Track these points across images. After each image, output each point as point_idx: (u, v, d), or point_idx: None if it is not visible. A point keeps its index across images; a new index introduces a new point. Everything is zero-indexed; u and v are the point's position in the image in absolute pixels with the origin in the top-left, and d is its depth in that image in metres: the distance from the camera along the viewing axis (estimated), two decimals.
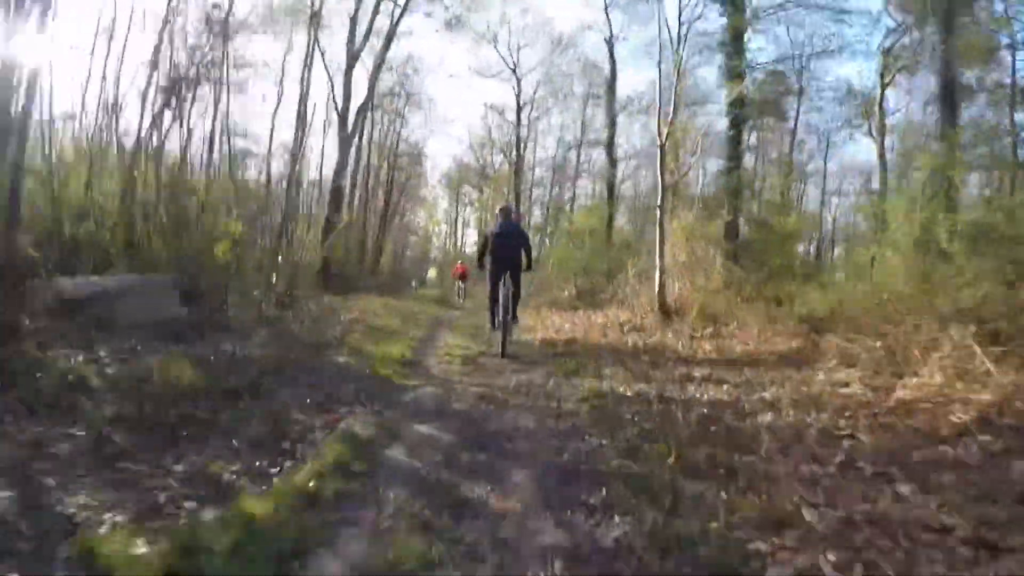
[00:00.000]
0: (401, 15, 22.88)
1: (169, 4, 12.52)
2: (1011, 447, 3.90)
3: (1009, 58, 15.66)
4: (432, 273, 53.58)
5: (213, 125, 13.82)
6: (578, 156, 36.73)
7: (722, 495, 3.28)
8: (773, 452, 4.01)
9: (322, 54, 23.50)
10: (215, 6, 13.52)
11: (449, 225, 53.84)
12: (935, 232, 8.75)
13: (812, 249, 25.52)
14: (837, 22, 20.54)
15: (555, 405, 5.74)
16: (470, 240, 50.95)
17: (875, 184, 24.51)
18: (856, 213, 24.43)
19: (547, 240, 38.14)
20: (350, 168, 28.86)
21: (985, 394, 4.65)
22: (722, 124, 17.37)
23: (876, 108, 23.77)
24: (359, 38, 22.51)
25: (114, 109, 12.12)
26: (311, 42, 23.85)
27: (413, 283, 40.56)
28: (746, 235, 15.39)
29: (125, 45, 12.65)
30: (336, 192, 22.19)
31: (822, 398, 5.49)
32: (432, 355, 8.81)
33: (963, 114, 13.03)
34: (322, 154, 28.13)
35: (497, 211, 9.61)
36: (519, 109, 32.40)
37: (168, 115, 13.30)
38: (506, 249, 8.68)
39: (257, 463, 3.78)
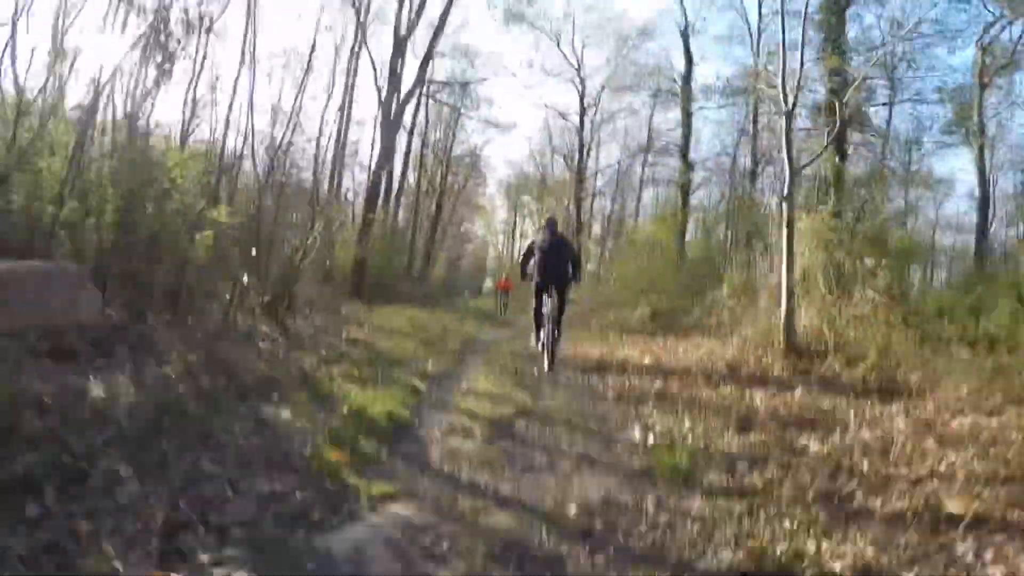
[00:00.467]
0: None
1: None
2: None
3: None
4: (488, 284, 50.31)
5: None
6: (644, 163, 32.95)
7: None
8: None
9: (365, 39, 20.50)
10: None
11: (507, 235, 50.32)
12: None
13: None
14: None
15: None
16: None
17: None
18: None
19: (606, 254, 34.74)
20: (398, 166, 25.92)
21: None
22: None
23: (974, 112, 19.55)
24: (406, 21, 19.34)
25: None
26: (357, 27, 21.01)
27: (466, 293, 37.64)
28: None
29: None
30: (374, 185, 19.01)
31: None
32: (441, 412, 5.37)
33: None
34: (371, 153, 25.19)
35: (543, 222, 8.92)
36: (582, 112, 28.96)
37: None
38: (552, 262, 8.08)
39: None
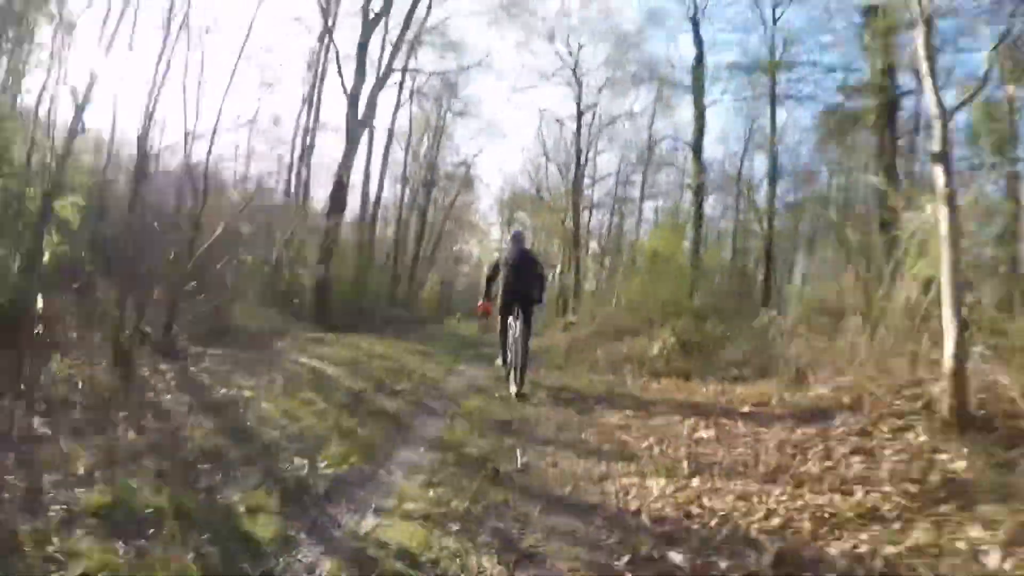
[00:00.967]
0: None
1: None
2: None
3: None
4: None
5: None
6: (644, 173, 29.70)
7: None
8: None
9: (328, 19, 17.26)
10: None
11: (501, 254, 46.75)
12: None
13: None
14: None
15: None
16: None
17: None
18: None
19: (604, 272, 31.38)
20: (376, 177, 22.61)
21: None
22: None
23: None
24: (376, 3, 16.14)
25: None
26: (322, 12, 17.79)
27: (458, 315, 34.14)
28: None
29: None
30: (337, 190, 15.66)
31: None
32: None
33: None
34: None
35: (509, 237, 8.73)
36: (579, 115, 25.58)
37: None
38: (520, 281, 7.49)
39: None
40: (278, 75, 20.21)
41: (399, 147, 27.06)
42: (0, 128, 6.14)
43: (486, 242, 46.48)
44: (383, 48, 17.46)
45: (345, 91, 15.63)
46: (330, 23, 17.36)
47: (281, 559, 2.68)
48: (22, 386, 4.27)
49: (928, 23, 4.76)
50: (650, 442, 4.96)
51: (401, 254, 27.54)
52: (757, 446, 4.59)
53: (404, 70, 21.69)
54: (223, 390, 5.76)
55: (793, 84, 20.14)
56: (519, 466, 4.27)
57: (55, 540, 2.52)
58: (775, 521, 3.19)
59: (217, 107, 9.04)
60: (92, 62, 6.64)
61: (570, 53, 24.96)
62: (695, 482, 3.88)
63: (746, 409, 5.89)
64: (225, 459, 3.83)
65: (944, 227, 4.34)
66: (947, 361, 4.24)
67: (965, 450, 3.86)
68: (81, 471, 3.26)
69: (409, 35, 19.94)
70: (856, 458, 4.02)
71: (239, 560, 2.60)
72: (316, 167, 20.63)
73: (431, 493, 3.60)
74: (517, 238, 8.30)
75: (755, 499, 3.51)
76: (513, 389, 7.06)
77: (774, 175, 20.49)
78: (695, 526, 3.22)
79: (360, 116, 15.65)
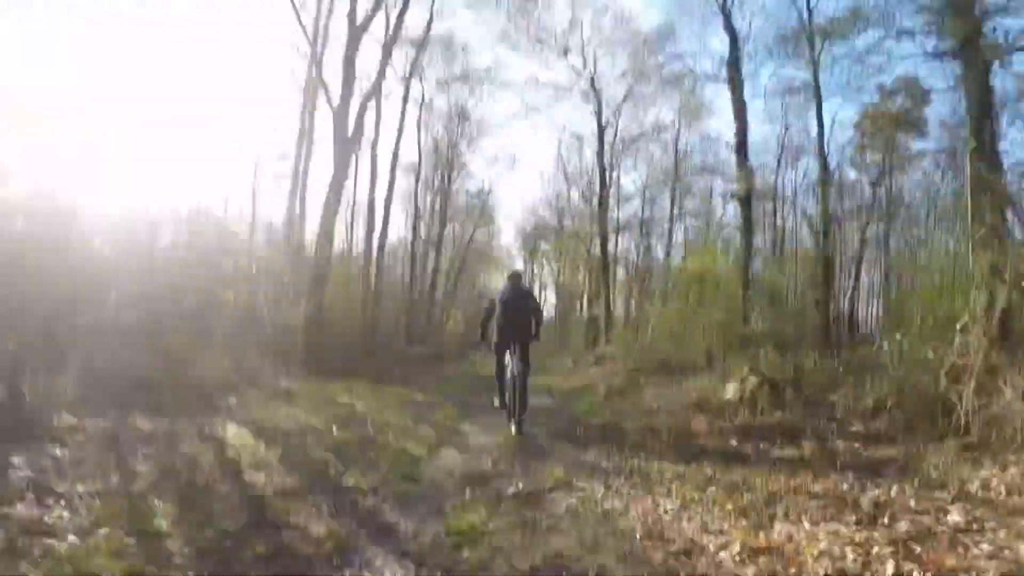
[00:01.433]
0: None
1: None
2: None
3: None
4: None
5: None
6: (673, 192, 26.92)
7: None
8: None
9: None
10: None
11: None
12: None
13: None
14: None
15: None
16: (549, 304, 41.37)
17: None
18: None
19: (633, 303, 28.47)
20: (381, 204, 20.08)
21: None
22: None
23: None
24: (363, 7, 13.75)
25: None
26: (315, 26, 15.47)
27: (481, 351, 31.00)
28: None
29: None
30: (325, 214, 13.09)
31: None
32: None
33: None
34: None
35: (506, 276, 8.13)
36: (600, 131, 22.96)
37: None
38: (517, 319, 7.24)
39: None
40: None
41: (409, 176, 24.61)
42: None
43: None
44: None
45: (331, 105, 13.14)
46: (318, 45, 15.05)
47: None
48: None
49: None
50: None
51: (417, 288, 24.94)
52: None
53: (405, 81, 19.35)
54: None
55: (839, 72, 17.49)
56: None
57: None
58: None
59: None
60: None
61: (585, 66, 22.46)
62: None
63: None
64: None
65: None
66: None
67: None
68: None
69: (408, 48, 17.68)
70: None
71: None
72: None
73: None
74: (514, 277, 7.91)
75: None
76: (514, 429, 6.67)
77: (826, 179, 17.60)
78: None
79: (349, 133, 13.12)
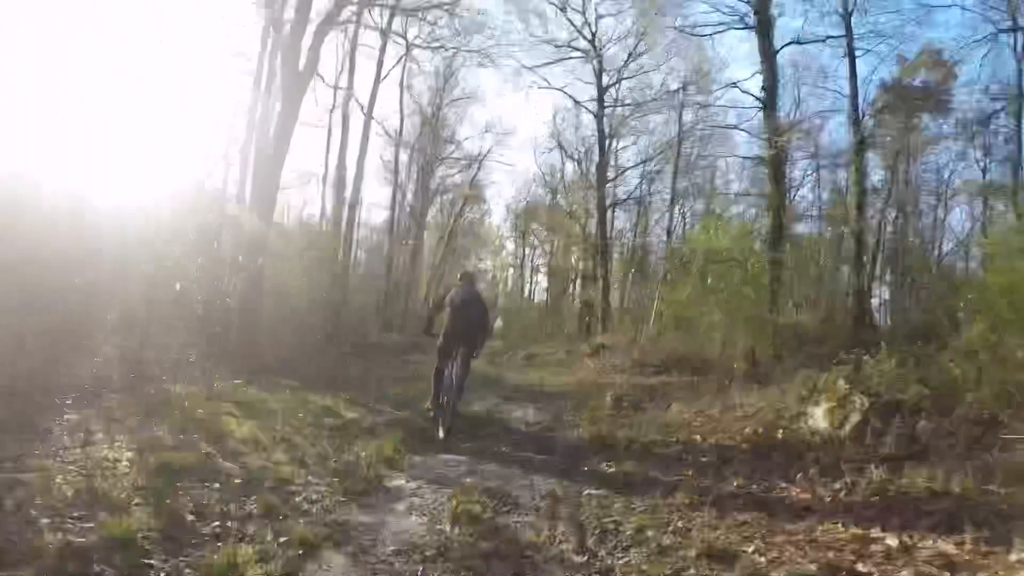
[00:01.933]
0: None
1: None
2: None
3: None
4: (498, 323, 40.95)
5: None
6: (676, 163, 23.90)
7: None
8: None
9: None
10: None
11: (516, 269, 41.05)
12: None
13: None
14: None
15: None
16: (540, 287, 38.62)
17: None
18: None
19: (628, 282, 25.76)
20: (351, 172, 17.22)
21: None
22: None
23: None
24: None
25: None
26: None
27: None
28: None
29: None
30: (265, 171, 10.32)
31: None
32: None
33: None
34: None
35: (458, 276, 7.70)
36: (601, 93, 20.18)
37: None
38: (465, 322, 6.65)
39: None
40: None
41: (388, 142, 21.75)
42: None
43: (502, 257, 41.19)
44: None
45: (278, 32, 10.30)
46: None
47: None
48: None
49: None
50: None
51: (395, 267, 22.19)
52: None
53: (383, 35, 16.44)
54: None
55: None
56: None
57: None
58: None
59: None
60: None
61: (587, 23, 19.60)
62: None
63: None
64: None
65: None
66: None
67: None
68: None
69: None
70: None
71: None
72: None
73: None
74: (467, 277, 7.35)
75: None
76: (442, 434, 5.86)
77: (862, 139, 14.77)
78: None
79: (300, 65, 10.26)
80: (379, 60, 17.36)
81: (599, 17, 19.61)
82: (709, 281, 12.54)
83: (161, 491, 3.25)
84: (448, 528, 3.26)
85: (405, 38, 18.14)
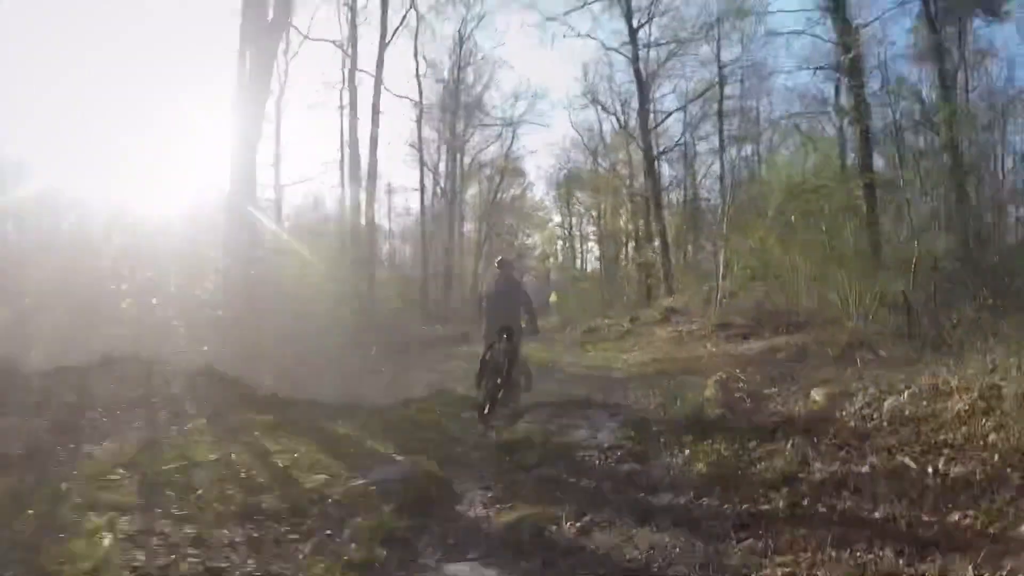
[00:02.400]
0: None
1: None
2: None
3: None
4: (553, 298, 38.64)
5: None
6: (720, 107, 20.82)
7: None
8: None
9: None
10: None
11: (565, 240, 38.45)
12: None
13: None
14: None
15: None
16: (590, 258, 36.10)
17: None
18: None
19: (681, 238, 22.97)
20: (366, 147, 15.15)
21: None
22: None
23: None
24: None
25: None
26: None
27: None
28: None
29: None
30: (241, 133, 8.30)
31: None
32: None
33: None
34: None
35: (495, 263, 7.10)
36: (633, 34, 17.51)
37: None
38: (504, 311, 6.33)
39: None
40: None
41: (409, 115, 19.60)
42: None
43: (549, 229, 38.73)
44: None
45: None
46: None
47: None
48: None
49: None
50: None
51: (432, 254, 20.13)
52: None
53: None
54: None
55: None
56: None
57: None
58: None
59: None
60: None
61: None
62: None
63: None
64: None
65: None
66: None
67: None
68: None
69: None
70: None
71: None
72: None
73: None
74: (504, 264, 6.79)
75: None
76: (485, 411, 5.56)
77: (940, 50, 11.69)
78: None
79: (269, 15, 8.11)
80: (382, 20, 15.15)
81: None
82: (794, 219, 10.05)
83: None
84: None
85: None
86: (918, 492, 2.71)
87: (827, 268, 8.42)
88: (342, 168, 16.66)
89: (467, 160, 24.38)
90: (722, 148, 21.90)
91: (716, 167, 22.33)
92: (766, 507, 2.81)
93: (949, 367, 3.92)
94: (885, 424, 3.40)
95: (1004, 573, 2.00)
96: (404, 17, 16.70)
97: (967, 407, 3.15)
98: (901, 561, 2.18)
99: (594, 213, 33.59)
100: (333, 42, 15.02)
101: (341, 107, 15.72)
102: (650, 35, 18.53)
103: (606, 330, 14.24)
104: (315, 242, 12.33)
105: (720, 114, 21.27)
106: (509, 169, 27.17)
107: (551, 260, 39.73)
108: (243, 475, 3.56)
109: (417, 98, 19.39)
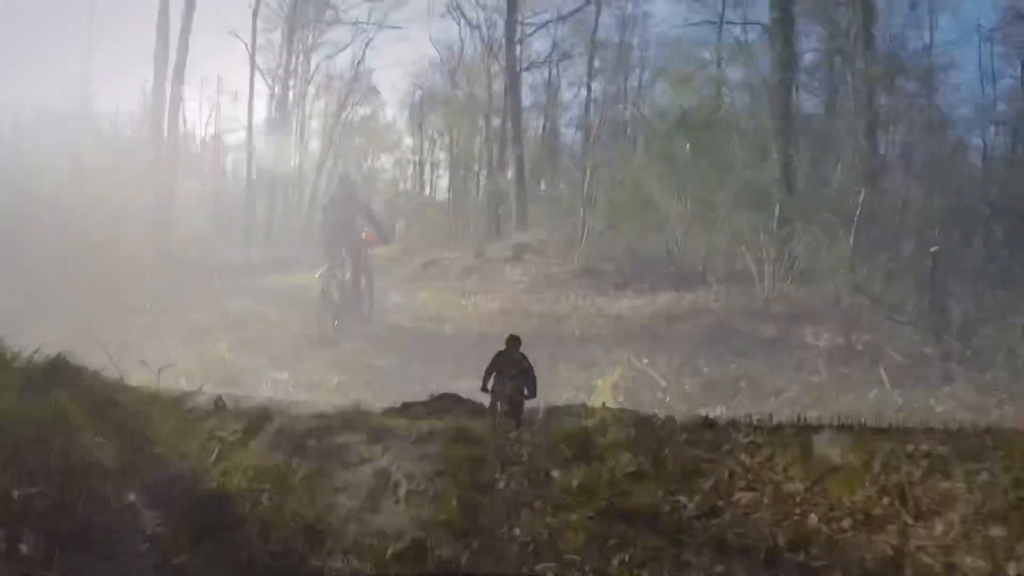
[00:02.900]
0: None
1: None
2: None
3: None
4: (400, 226, 35.91)
5: None
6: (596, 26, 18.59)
7: None
8: None
9: None
10: None
11: (416, 166, 35.36)
12: None
13: None
14: None
15: None
16: (441, 186, 33.37)
17: None
18: None
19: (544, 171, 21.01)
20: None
21: None
22: None
23: None
24: None
25: None
26: None
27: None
28: None
29: None
30: None
31: None
32: None
33: None
34: None
35: (337, 182, 7.28)
36: None
37: None
38: (340, 221, 6.96)
39: None
40: None
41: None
42: None
43: (401, 152, 35.54)
44: None
45: None
46: None
47: None
48: None
49: None
50: None
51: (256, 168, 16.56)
52: None
53: None
54: None
55: None
56: None
57: None
58: None
59: None
60: None
61: None
62: None
63: None
64: None
65: None
66: None
67: None
68: None
69: None
70: None
71: None
72: None
73: None
74: (343, 181, 7.40)
75: None
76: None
77: None
78: None
79: None
80: None
81: None
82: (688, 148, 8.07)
83: None
84: None
85: None
86: None
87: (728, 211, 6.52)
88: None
89: (312, 67, 20.59)
90: (590, 76, 19.90)
91: (583, 94, 20.51)
92: None
93: None
94: None
95: None
96: None
97: None
98: None
99: (447, 139, 30.98)
100: None
101: None
102: None
103: (447, 262, 11.90)
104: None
105: (593, 42, 19.14)
106: (360, 85, 23.67)
107: (400, 185, 36.77)
108: None
109: None
